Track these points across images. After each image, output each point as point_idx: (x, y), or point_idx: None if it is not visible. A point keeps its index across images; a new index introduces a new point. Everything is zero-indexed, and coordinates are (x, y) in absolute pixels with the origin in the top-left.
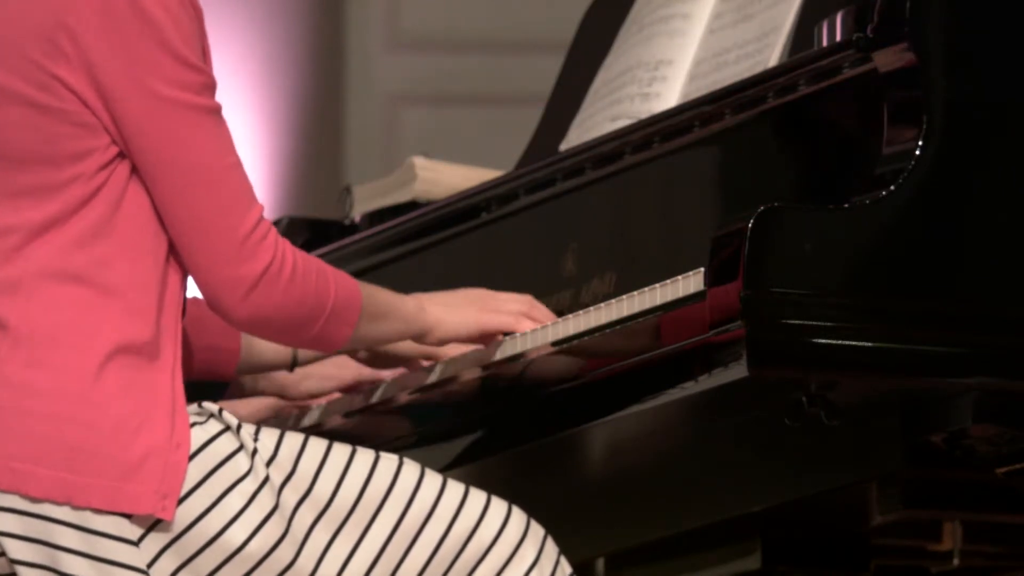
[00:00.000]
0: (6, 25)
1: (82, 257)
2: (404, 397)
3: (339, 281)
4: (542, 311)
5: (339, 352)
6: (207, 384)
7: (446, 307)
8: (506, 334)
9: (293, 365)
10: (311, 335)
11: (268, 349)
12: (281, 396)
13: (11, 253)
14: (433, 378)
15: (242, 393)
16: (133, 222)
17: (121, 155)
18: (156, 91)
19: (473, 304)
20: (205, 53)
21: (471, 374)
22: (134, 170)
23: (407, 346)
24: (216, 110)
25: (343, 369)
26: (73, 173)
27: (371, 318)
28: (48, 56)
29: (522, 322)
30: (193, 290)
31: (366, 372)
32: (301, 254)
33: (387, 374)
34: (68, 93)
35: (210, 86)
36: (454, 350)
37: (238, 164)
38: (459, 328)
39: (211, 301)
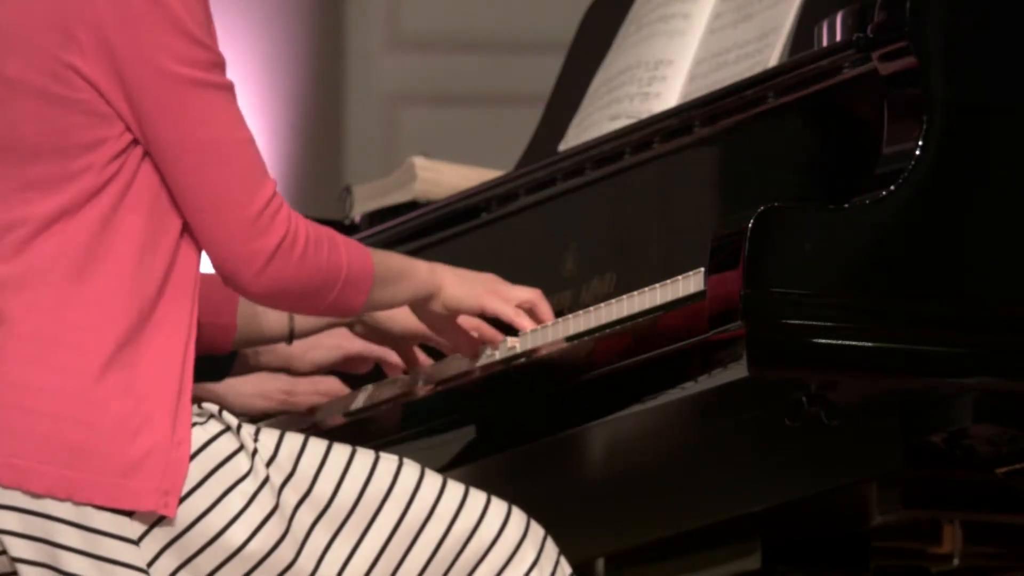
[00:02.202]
0: (18, 16)
1: (88, 251)
2: (404, 397)
3: (351, 250)
4: (547, 309)
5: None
6: (211, 362)
7: (457, 276)
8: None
9: (291, 338)
10: (327, 303)
11: (266, 322)
12: (287, 369)
13: (20, 246)
14: (432, 378)
15: (247, 368)
16: (139, 214)
17: (134, 143)
18: (169, 70)
19: (483, 284)
20: (212, 32)
21: (470, 374)
22: (143, 158)
23: (402, 323)
24: (228, 87)
25: (350, 341)
26: (85, 163)
27: (384, 283)
28: (61, 46)
29: (521, 317)
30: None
31: (373, 348)
32: (313, 225)
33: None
34: (82, 82)
35: (220, 64)
36: (428, 362)
37: (251, 139)
38: (462, 299)
39: (226, 276)
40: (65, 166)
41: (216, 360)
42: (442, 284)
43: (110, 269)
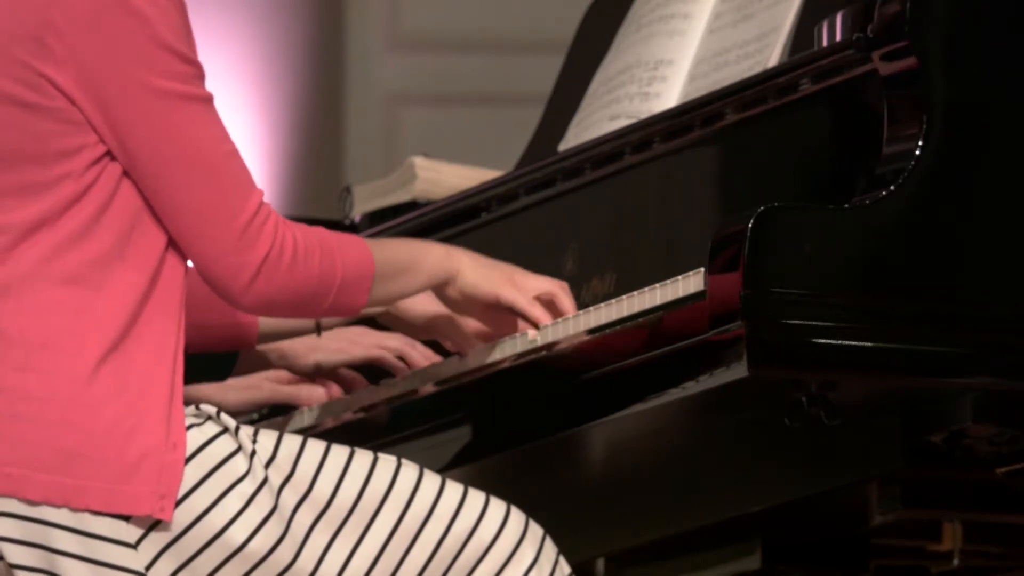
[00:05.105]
0: None
1: (73, 258)
2: (404, 397)
3: (346, 252)
4: (568, 301)
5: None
6: (214, 361)
7: (474, 261)
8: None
9: (318, 329)
10: (324, 308)
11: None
12: (288, 368)
13: (2, 254)
14: (432, 378)
15: (250, 368)
16: (125, 221)
17: (110, 152)
18: (149, 84)
19: (502, 272)
20: (191, 42)
21: (470, 375)
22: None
23: (422, 311)
24: (209, 99)
25: (354, 345)
26: (62, 171)
27: (389, 277)
28: (35, 55)
29: (535, 307)
30: None
31: (374, 352)
32: (303, 232)
33: (397, 363)
34: (55, 91)
35: (201, 75)
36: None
37: (235, 151)
38: (479, 285)
39: (216, 289)
40: (42, 174)
41: (218, 360)
42: (459, 268)
43: (98, 274)
